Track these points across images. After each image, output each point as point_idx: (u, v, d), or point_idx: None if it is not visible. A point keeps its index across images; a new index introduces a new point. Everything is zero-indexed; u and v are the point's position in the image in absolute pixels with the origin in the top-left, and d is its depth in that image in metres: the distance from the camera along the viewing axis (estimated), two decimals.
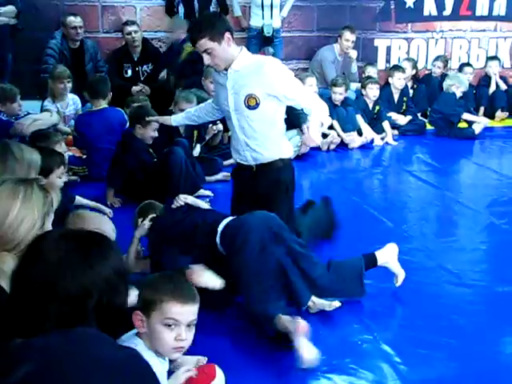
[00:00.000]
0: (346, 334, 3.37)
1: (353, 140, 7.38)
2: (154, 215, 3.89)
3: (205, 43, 3.83)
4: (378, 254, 3.80)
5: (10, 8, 6.85)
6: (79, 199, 4.86)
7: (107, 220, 3.34)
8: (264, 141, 4.08)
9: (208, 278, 3.28)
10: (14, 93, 5.71)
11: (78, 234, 1.69)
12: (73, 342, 1.45)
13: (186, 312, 2.32)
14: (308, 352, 3.00)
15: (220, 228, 3.61)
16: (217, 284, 3.29)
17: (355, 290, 3.69)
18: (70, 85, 6.59)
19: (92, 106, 6.18)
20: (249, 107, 3.97)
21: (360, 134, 7.53)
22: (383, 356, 3.15)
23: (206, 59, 3.90)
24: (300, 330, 3.05)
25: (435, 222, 5.36)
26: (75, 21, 7.49)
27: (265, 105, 3.95)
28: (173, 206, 3.93)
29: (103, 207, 4.92)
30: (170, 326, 2.29)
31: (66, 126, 6.50)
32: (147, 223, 3.82)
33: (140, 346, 2.30)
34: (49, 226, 2.15)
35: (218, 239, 3.59)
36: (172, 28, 7.93)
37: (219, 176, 6.03)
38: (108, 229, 3.04)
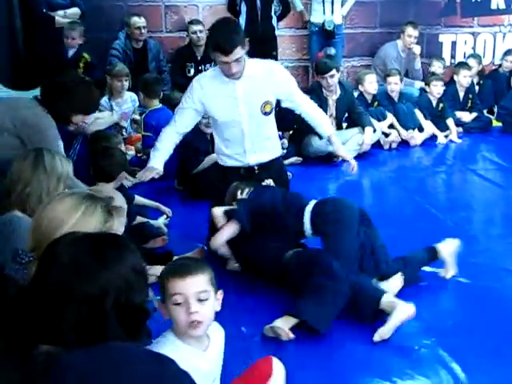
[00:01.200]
0: (403, 338, 3.28)
1: (413, 137, 7.24)
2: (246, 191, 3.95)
3: (238, 52, 3.82)
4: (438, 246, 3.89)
5: (75, 10, 7.00)
6: (139, 199, 4.91)
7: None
8: (269, 143, 4.26)
9: None
10: None
11: (92, 235, 1.69)
12: (104, 362, 1.42)
13: (188, 284, 2.26)
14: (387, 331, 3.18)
15: (309, 208, 3.74)
16: None
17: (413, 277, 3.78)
18: (127, 83, 6.70)
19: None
20: (265, 113, 4.08)
21: (421, 130, 7.38)
22: (441, 362, 3.06)
23: (235, 68, 3.87)
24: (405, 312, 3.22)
25: (501, 223, 5.18)
26: (139, 21, 7.60)
27: (273, 108, 4.14)
28: None
29: (163, 207, 4.96)
30: (179, 303, 2.26)
31: (125, 122, 6.57)
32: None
33: (169, 336, 2.30)
34: None
35: (307, 219, 3.71)
36: None
37: (292, 159, 6.25)
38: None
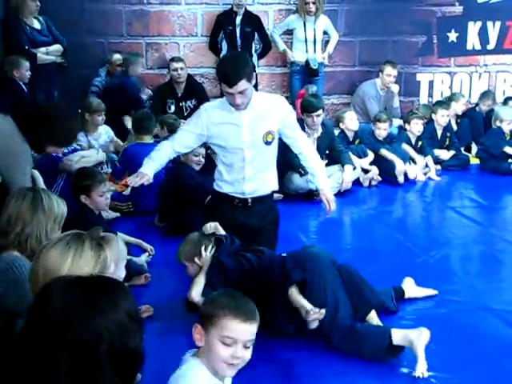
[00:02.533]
0: (383, 373, 3.29)
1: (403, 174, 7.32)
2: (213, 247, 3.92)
3: (243, 84, 3.94)
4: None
5: (57, 47, 7.04)
6: (121, 236, 4.88)
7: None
8: (268, 173, 4.35)
9: None
10: None
11: (84, 279, 1.67)
12: None
13: (244, 330, 2.28)
14: (423, 365, 3.23)
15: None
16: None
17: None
18: (104, 117, 6.74)
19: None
20: (266, 143, 4.19)
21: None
22: None
23: (239, 99, 3.99)
24: (424, 337, 3.29)
25: (479, 261, 5.22)
26: (120, 58, 7.65)
27: (276, 139, 4.25)
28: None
29: (145, 244, 4.93)
30: (226, 344, 2.26)
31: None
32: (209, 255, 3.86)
33: (195, 362, 2.30)
34: None
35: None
36: None
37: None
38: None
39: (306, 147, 4.49)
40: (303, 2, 7.98)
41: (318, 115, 6.59)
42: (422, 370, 3.21)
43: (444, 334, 3.69)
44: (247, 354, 2.30)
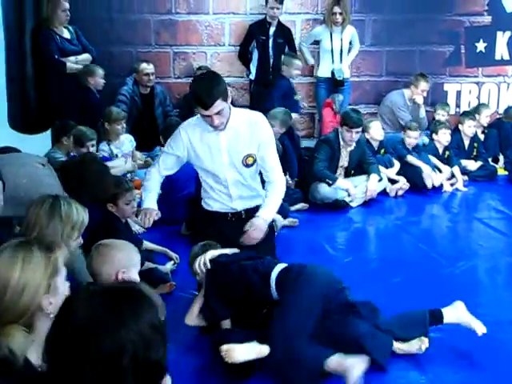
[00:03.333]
0: None
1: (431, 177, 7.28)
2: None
3: (219, 104, 3.78)
4: (444, 310, 3.68)
5: (86, 56, 7.10)
6: (147, 244, 4.92)
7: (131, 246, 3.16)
8: (253, 191, 4.24)
9: (240, 354, 3.25)
10: (85, 138, 5.86)
11: (109, 289, 1.67)
12: None
13: None
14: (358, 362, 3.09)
15: (274, 274, 3.58)
16: (250, 356, 3.26)
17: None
18: (125, 125, 6.79)
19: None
20: (246, 165, 4.09)
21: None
22: None
23: (217, 120, 3.84)
24: (359, 367, 3.08)
25: (507, 273, 5.17)
26: (147, 67, 7.73)
27: (256, 161, 4.11)
28: None
29: (171, 252, 4.96)
30: None
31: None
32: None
33: None
34: (59, 287, 2.10)
35: (272, 285, 3.55)
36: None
37: (285, 222, 5.98)
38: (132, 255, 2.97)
39: (277, 181, 4.19)
40: (330, 12, 7.99)
41: (358, 132, 6.58)
42: None
43: (469, 347, 3.66)
44: None
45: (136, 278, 2.29)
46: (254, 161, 4.11)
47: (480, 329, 3.59)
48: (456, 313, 3.68)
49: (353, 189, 6.68)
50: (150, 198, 4.18)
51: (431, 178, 7.25)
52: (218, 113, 3.80)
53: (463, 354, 3.63)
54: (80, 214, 2.90)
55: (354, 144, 6.71)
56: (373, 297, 4.24)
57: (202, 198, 4.32)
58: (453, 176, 7.57)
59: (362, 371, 3.08)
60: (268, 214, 4.07)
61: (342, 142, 6.68)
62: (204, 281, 3.77)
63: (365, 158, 6.88)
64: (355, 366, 3.08)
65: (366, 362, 3.12)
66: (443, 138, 7.58)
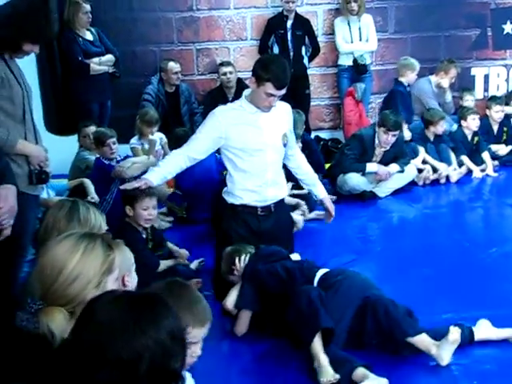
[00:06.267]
0: (442, 381, 3.23)
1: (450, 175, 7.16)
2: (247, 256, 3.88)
3: (285, 89, 3.99)
4: (474, 329, 3.57)
5: (109, 57, 7.13)
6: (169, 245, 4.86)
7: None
8: (282, 176, 4.36)
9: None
10: (104, 137, 5.90)
11: (132, 296, 1.66)
12: None
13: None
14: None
15: (316, 279, 3.66)
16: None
17: None
18: (157, 127, 6.77)
19: None
20: (284, 145, 4.21)
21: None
22: None
23: (275, 102, 4.03)
24: None
25: None
26: (175, 66, 7.73)
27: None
28: None
29: (180, 250, 4.86)
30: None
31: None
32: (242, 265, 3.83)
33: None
34: (108, 286, 2.08)
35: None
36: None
37: (312, 215, 5.95)
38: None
39: (302, 161, 4.52)
40: (345, 1, 7.93)
41: (394, 135, 6.50)
42: None
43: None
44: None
45: (135, 277, 2.28)
46: (287, 141, 4.25)
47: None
48: (486, 330, 3.59)
49: (381, 168, 6.61)
50: (154, 172, 4.17)
51: (444, 179, 7.11)
52: (280, 96, 4.01)
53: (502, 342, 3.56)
54: (98, 219, 2.90)
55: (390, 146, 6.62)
56: (404, 288, 4.24)
57: (229, 192, 4.27)
58: (482, 162, 7.44)
59: None
60: (324, 191, 4.59)
61: (377, 141, 6.60)
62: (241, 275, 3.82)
63: (400, 155, 6.77)
64: (375, 381, 3.10)
65: (385, 381, 3.11)
66: (472, 123, 7.46)
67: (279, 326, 3.59)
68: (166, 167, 4.19)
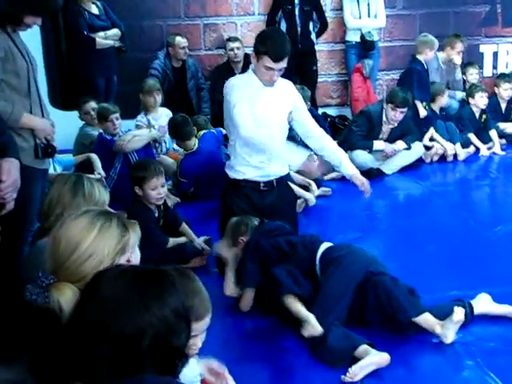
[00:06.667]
0: (445, 358, 3.23)
1: (457, 154, 7.13)
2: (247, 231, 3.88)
3: (285, 62, 3.96)
4: (473, 303, 3.57)
5: (115, 31, 7.08)
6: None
7: None
8: (285, 153, 4.21)
9: None
10: (107, 112, 5.88)
11: (138, 271, 1.65)
12: None
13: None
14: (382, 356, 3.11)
15: (319, 252, 3.63)
16: None
17: None
18: (159, 97, 6.74)
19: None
20: (289, 122, 4.19)
21: (464, 146, 7.26)
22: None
23: (276, 76, 3.99)
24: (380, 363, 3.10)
25: None
26: (183, 41, 7.68)
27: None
28: None
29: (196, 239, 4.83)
30: None
31: (162, 137, 6.56)
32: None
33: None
34: None
35: (317, 262, 3.61)
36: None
37: (319, 191, 5.94)
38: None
39: (325, 140, 4.35)
40: None
41: (402, 112, 6.45)
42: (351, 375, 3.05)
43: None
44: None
45: (138, 253, 2.26)
46: (292, 118, 4.22)
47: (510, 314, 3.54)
48: (485, 304, 3.59)
49: (388, 146, 6.58)
50: None
51: (451, 157, 7.07)
52: (281, 69, 3.97)
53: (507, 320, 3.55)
54: (102, 194, 2.89)
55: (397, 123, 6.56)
56: (409, 265, 4.25)
57: (231, 167, 4.25)
58: (490, 140, 7.40)
59: (380, 363, 3.10)
60: (354, 167, 4.39)
61: (384, 118, 6.55)
62: (243, 249, 3.81)
63: (408, 131, 6.74)
64: (377, 355, 3.12)
65: (387, 357, 3.12)
66: (480, 101, 7.40)
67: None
68: None
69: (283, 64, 3.93)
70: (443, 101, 7.42)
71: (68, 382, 1.57)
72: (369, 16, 7.93)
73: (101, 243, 2.03)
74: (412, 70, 7.23)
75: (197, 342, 2.27)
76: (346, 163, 4.36)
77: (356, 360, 3.12)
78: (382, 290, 3.39)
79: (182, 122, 5.97)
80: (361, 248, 3.76)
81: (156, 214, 4.54)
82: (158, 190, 4.43)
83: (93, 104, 6.26)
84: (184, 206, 5.60)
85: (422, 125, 7.16)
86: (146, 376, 1.48)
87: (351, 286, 3.46)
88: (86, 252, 2.00)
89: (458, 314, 3.26)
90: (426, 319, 3.33)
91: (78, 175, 3.00)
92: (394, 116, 6.41)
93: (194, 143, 5.99)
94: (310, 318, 3.30)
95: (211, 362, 2.45)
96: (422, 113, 7.06)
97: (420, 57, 7.43)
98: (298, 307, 3.38)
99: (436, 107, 7.40)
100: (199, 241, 4.67)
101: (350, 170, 4.34)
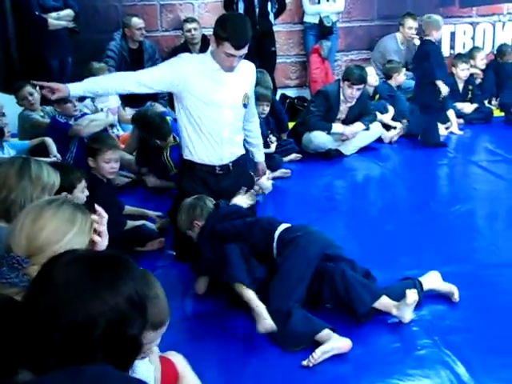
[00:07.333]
0: (403, 338, 3.23)
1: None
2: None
3: (246, 48, 3.90)
4: (422, 279, 3.59)
5: (68, 11, 6.92)
6: (128, 208, 4.76)
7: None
8: (239, 137, 4.30)
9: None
10: None
11: (93, 256, 1.60)
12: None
13: None
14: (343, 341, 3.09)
15: (277, 234, 3.58)
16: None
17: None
18: None
19: None
20: (244, 105, 4.16)
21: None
22: (444, 362, 3.00)
23: (236, 62, 3.94)
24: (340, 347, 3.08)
25: (504, 217, 5.10)
26: (139, 22, 7.54)
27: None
28: None
29: (151, 212, 4.84)
30: None
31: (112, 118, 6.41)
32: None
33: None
34: None
35: (274, 244, 3.56)
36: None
37: (277, 173, 5.90)
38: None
39: (256, 124, 4.56)
40: None
41: (359, 89, 6.41)
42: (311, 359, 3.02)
43: (467, 291, 3.60)
44: None
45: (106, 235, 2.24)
46: (248, 101, 4.20)
47: (452, 292, 3.55)
48: (433, 281, 3.60)
49: (347, 129, 6.54)
50: (82, 82, 3.98)
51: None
52: (241, 56, 3.92)
53: (464, 298, 3.57)
54: (51, 177, 2.81)
55: (355, 100, 6.54)
56: (368, 245, 4.25)
57: (185, 147, 4.19)
58: (448, 120, 7.43)
59: (341, 348, 3.08)
60: (262, 157, 4.73)
61: (341, 97, 6.52)
62: (198, 234, 3.74)
63: (365, 111, 6.71)
64: (338, 341, 3.09)
65: (348, 342, 3.09)
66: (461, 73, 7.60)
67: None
68: (98, 80, 4.19)
69: (244, 51, 3.88)
70: (399, 79, 7.50)
71: (15, 370, 1.53)
72: (328, 0, 7.88)
73: (80, 238, 2.03)
74: (429, 52, 7.06)
75: (151, 347, 2.25)
76: (260, 150, 4.73)
77: (317, 344, 3.09)
78: (339, 279, 3.35)
79: (159, 122, 5.62)
80: (318, 229, 3.71)
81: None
82: (112, 164, 4.44)
83: (29, 88, 6.06)
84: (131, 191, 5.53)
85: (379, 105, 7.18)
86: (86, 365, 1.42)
87: (310, 269, 3.42)
88: (69, 243, 1.99)
89: (411, 296, 3.26)
90: (382, 303, 3.32)
91: (25, 158, 2.94)
92: (350, 93, 6.38)
93: (172, 140, 5.61)
94: (262, 310, 3.20)
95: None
96: (444, 90, 6.90)
97: (430, 38, 7.27)
98: (249, 295, 3.28)
99: (393, 84, 7.46)
100: (153, 213, 4.70)
101: (259, 158, 4.72)
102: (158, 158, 5.59)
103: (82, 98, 6.09)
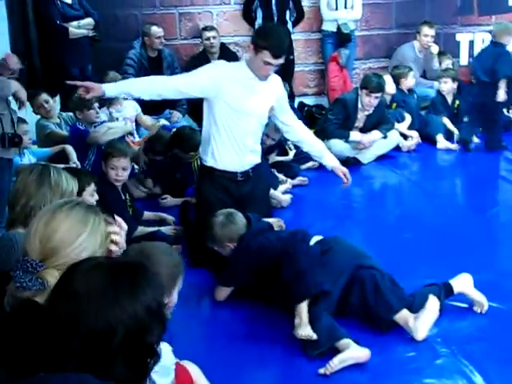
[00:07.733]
0: (420, 347, 3.22)
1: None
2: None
3: (284, 58, 4.04)
4: (453, 282, 3.58)
5: (88, 20, 7.00)
6: (147, 214, 4.84)
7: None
8: (259, 145, 4.40)
9: None
10: (89, 100, 5.78)
11: (112, 264, 1.62)
12: None
13: None
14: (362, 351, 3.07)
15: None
16: None
17: None
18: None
19: None
20: (269, 117, 4.29)
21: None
22: (461, 372, 2.99)
23: (271, 71, 4.07)
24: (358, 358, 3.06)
25: None
26: (159, 31, 7.59)
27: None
28: None
29: (167, 216, 4.90)
30: None
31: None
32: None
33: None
34: None
35: None
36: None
37: (295, 181, 5.92)
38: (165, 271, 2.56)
39: (305, 133, 4.55)
40: None
41: (377, 97, 6.42)
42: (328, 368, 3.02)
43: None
44: None
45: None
46: (272, 115, 4.33)
47: (483, 303, 3.51)
48: (465, 284, 3.59)
49: (365, 137, 6.54)
50: (116, 84, 4.15)
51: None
52: (278, 65, 4.04)
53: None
54: (69, 183, 2.84)
55: (373, 109, 6.53)
56: (386, 253, 4.23)
57: (207, 152, 4.26)
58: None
59: (359, 358, 3.06)
60: (334, 159, 4.66)
61: (359, 105, 6.52)
62: (232, 251, 3.73)
63: (383, 119, 6.71)
64: (357, 350, 3.08)
65: (366, 353, 3.08)
66: (444, 86, 7.36)
67: (264, 290, 3.59)
68: (133, 82, 4.27)
69: (281, 60, 4.00)
70: (407, 83, 7.48)
71: (34, 373, 1.52)
72: (345, 7, 7.88)
73: (92, 240, 2.02)
74: (505, 55, 6.97)
75: (172, 300, 2.35)
76: (327, 156, 4.59)
77: (336, 351, 3.09)
78: (369, 283, 3.38)
79: (190, 135, 5.53)
80: (348, 241, 3.75)
81: (123, 197, 4.56)
82: (117, 171, 4.46)
83: (44, 96, 6.12)
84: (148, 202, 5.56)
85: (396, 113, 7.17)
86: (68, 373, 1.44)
87: (342, 279, 3.45)
88: (78, 248, 1.99)
89: (432, 302, 3.25)
90: (402, 315, 3.30)
91: (44, 165, 2.96)
92: (368, 102, 6.39)
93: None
94: (306, 317, 3.21)
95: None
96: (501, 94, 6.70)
97: (501, 41, 7.16)
98: (304, 304, 3.26)
99: (404, 88, 7.46)
100: (170, 218, 4.77)
101: (332, 162, 4.58)
102: (168, 177, 5.61)
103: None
